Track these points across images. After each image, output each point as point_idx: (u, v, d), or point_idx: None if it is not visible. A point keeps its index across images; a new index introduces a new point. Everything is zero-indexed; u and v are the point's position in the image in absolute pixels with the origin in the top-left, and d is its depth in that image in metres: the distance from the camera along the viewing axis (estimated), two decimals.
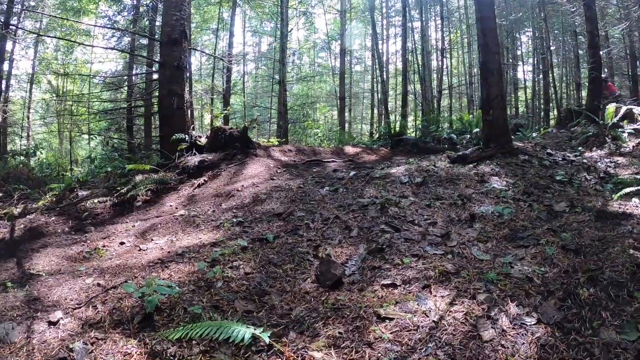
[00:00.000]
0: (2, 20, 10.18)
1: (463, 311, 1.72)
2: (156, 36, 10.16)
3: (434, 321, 1.69)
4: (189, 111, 6.55)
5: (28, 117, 15.54)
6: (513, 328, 1.62)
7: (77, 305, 2.13)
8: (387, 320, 1.73)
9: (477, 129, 7.18)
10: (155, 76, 9.63)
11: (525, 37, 15.44)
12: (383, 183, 3.56)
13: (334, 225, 2.82)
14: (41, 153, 11.62)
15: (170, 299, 2.07)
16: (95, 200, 4.58)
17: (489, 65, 4.68)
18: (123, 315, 2.00)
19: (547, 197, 3.20)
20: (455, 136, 7.45)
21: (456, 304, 1.78)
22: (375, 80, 15.55)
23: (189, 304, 2.02)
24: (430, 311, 1.76)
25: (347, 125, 16.13)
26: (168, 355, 1.72)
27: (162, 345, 1.76)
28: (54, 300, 2.18)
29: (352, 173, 3.94)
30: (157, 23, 11.12)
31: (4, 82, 11.75)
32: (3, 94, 11.39)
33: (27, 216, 4.47)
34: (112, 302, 2.12)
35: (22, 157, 9.26)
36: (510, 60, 14.45)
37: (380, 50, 14.42)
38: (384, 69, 14.61)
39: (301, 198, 3.46)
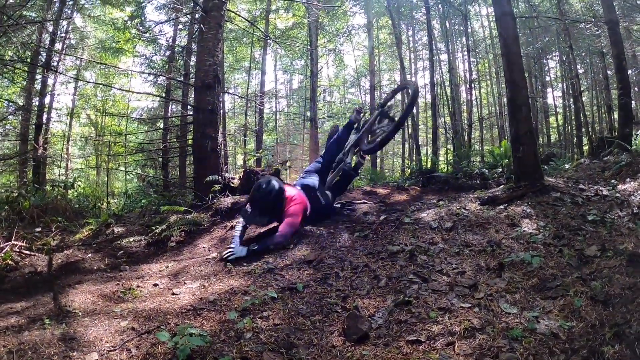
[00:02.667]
0: (44, 60, 10.83)
1: None
2: (191, 77, 10.59)
3: None
4: (223, 152, 6.75)
5: (67, 149, 16.13)
6: None
7: (112, 348, 2.18)
8: None
9: (507, 161, 7.11)
10: (189, 116, 9.99)
11: (553, 61, 15.25)
12: (412, 229, 3.56)
13: (363, 274, 2.85)
14: (79, 185, 12.04)
15: (202, 348, 2.11)
16: (131, 239, 4.69)
17: (516, 101, 4.66)
18: None
19: (579, 240, 3.14)
20: (487, 171, 7.39)
21: None
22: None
23: (219, 354, 2.07)
24: None
25: (378, 160, 16.15)
26: None
27: None
28: (90, 341, 2.24)
29: (382, 217, 3.96)
30: (192, 62, 11.58)
31: (45, 115, 12.34)
32: (44, 126, 11.89)
33: (65, 251, 4.60)
34: (146, 347, 2.17)
35: (60, 189, 9.55)
36: (540, 88, 14.28)
37: None
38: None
39: (331, 244, 3.50)
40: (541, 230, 3.34)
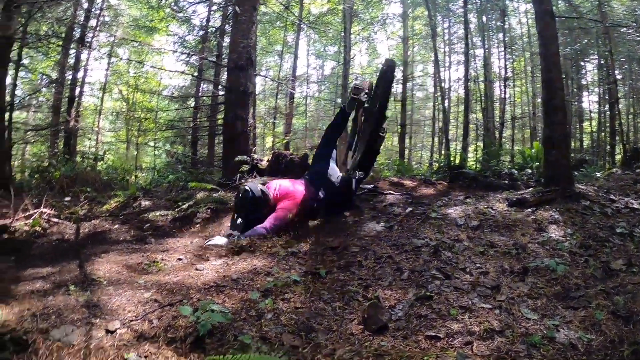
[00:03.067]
0: (78, 36, 11.08)
1: None
2: (223, 59, 10.66)
3: None
4: (252, 134, 6.84)
5: (98, 123, 16.48)
6: None
7: (134, 318, 2.26)
8: None
9: (538, 164, 6.99)
10: (220, 97, 10.10)
11: (591, 65, 14.80)
12: (438, 224, 3.56)
13: (386, 265, 2.87)
14: (108, 158, 12.32)
15: (222, 324, 2.18)
16: (157, 213, 4.82)
17: (553, 102, 4.55)
18: (176, 334, 2.12)
19: (605, 252, 3.09)
20: (516, 171, 7.29)
21: None
22: (436, 108, 15.44)
23: (239, 332, 2.13)
24: None
25: (406, 152, 16.05)
26: None
27: None
28: (113, 309, 2.32)
29: (408, 209, 3.96)
30: (224, 43, 11.65)
31: (77, 89, 12.66)
32: (76, 99, 12.20)
33: (92, 220, 4.74)
34: (167, 319, 2.24)
35: (90, 161, 9.78)
36: (575, 91, 13.91)
37: (442, 78, 14.32)
38: (446, 97, 14.49)
39: (356, 232, 3.53)
40: (568, 238, 3.30)
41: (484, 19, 13.96)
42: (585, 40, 12.76)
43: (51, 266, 3.21)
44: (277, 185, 4.25)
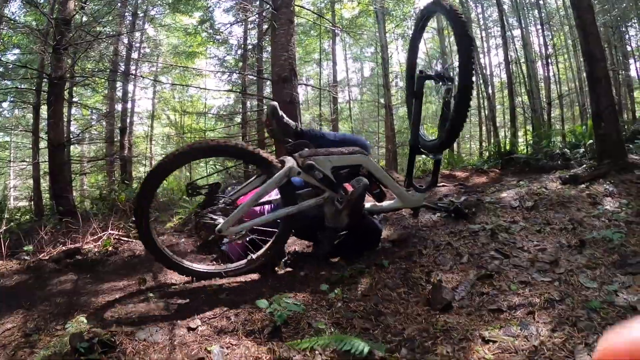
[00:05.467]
0: (123, 69, 11.82)
1: (563, 338, 1.83)
2: (264, 74, 11.05)
3: (534, 345, 1.83)
4: None
5: (150, 149, 17.29)
6: None
7: (212, 316, 2.50)
8: (491, 343, 1.89)
9: (591, 141, 6.82)
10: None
11: (633, 29, 14.01)
12: (493, 208, 3.64)
13: (446, 251, 3.00)
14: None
15: (297, 314, 2.40)
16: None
17: (594, 74, 4.52)
18: (254, 326, 2.34)
19: None
20: (568, 151, 7.12)
21: (557, 331, 1.89)
22: (480, 96, 15.18)
23: (313, 320, 2.34)
24: (531, 336, 1.90)
25: (455, 145, 15.84)
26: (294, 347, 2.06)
27: (289, 354, 2.07)
28: (191, 310, 2.56)
29: (462, 198, 4.04)
30: (264, 58, 12.03)
31: (128, 119, 13.46)
32: (127, 129, 12.95)
33: (159, 237, 5.11)
34: (244, 314, 2.47)
35: None
36: (621, 59, 13.26)
37: (483, 64, 14.07)
38: (489, 84, 14.20)
39: (414, 224, 3.67)
40: (624, 209, 3.31)
41: None
42: (624, 4, 12.21)
43: (126, 279, 3.50)
44: None
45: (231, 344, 2.32)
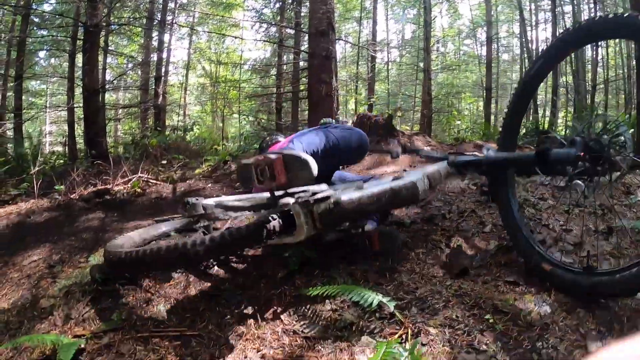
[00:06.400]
0: (160, 18, 11.83)
1: (576, 321, 1.78)
2: (302, 27, 10.87)
3: (546, 323, 1.79)
4: (336, 97, 7.00)
5: (184, 98, 17.48)
6: None
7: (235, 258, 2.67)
8: (502, 314, 1.86)
9: (632, 130, 6.56)
10: (302, 64, 10.35)
11: None
12: (523, 182, 3.55)
13: (469, 218, 2.95)
14: (198, 129, 13.12)
15: (311, 260, 2.46)
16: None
17: None
18: (268, 270, 2.47)
19: None
20: (607, 137, 6.88)
21: (572, 312, 1.84)
22: (524, 70, 14.61)
23: (327, 269, 2.38)
24: (545, 314, 1.86)
25: (492, 117, 15.45)
26: (302, 308, 2.10)
27: (299, 299, 2.16)
28: None
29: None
30: (302, 12, 11.81)
31: (163, 68, 13.62)
32: (162, 78, 13.14)
33: (187, 181, 5.21)
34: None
35: (180, 132, 10.49)
36: None
37: (529, 38, 13.47)
38: (533, 59, 13.61)
39: (440, 189, 3.60)
40: None
41: None
42: None
43: (151, 219, 3.58)
44: None
45: (244, 285, 2.38)
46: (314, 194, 1.99)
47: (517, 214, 2.39)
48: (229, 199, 2.91)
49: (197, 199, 2.54)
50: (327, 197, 2.03)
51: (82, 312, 2.33)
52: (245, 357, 1.98)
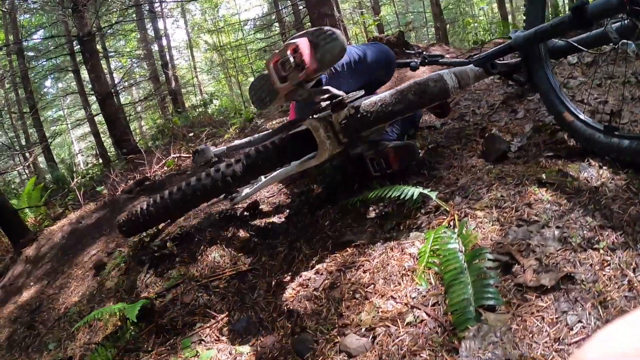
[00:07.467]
0: (148, 7, 11.84)
1: (626, 179, 1.74)
2: None
3: (594, 187, 1.74)
4: (342, 28, 6.81)
5: (196, 76, 17.55)
6: None
7: (270, 195, 2.84)
8: (548, 185, 1.82)
9: None
10: (301, 8, 10.10)
11: None
12: (552, 65, 3.44)
13: (500, 109, 2.89)
14: (217, 100, 13.25)
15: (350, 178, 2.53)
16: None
17: None
18: (314, 179, 2.60)
19: None
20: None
21: (620, 173, 1.79)
22: None
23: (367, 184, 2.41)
24: (592, 178, 1.81)
25: (509, 17, 14.75)
26: (348, 219, 2.21)
27: (344, 212, 2.26)
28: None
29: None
30: None
31: (167, 54, 13.70)
32: (169, 63, 13.22)
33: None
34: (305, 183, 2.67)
35: (200, 109, 10.58)
36: None
37: None
38: None
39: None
40: None
41: None
42: None
43: None
44: None
45: (289, 215, 2.44)
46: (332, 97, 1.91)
47: (557, 88, 2.24)
48: (241, 142, 2.94)
49: (205, 145, 2.57)
50: (342, 101, 1.96)
51: (145, 280, 2.49)
52: (300, 276, 2.05)
